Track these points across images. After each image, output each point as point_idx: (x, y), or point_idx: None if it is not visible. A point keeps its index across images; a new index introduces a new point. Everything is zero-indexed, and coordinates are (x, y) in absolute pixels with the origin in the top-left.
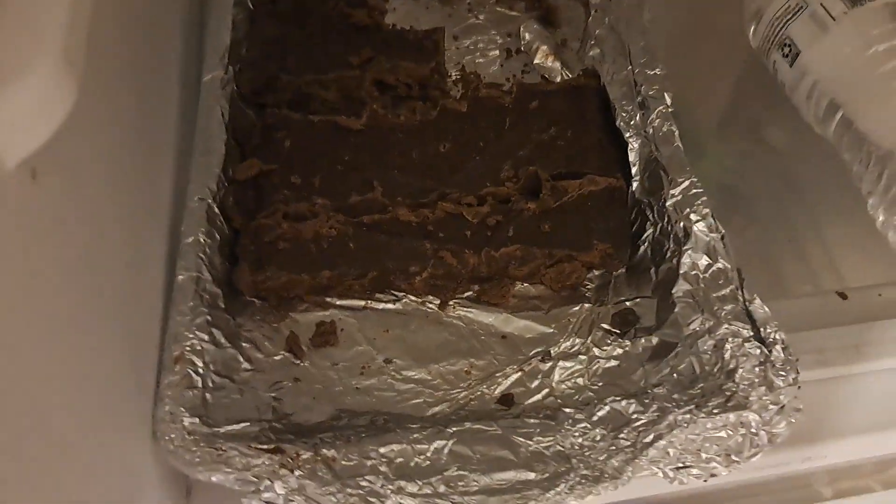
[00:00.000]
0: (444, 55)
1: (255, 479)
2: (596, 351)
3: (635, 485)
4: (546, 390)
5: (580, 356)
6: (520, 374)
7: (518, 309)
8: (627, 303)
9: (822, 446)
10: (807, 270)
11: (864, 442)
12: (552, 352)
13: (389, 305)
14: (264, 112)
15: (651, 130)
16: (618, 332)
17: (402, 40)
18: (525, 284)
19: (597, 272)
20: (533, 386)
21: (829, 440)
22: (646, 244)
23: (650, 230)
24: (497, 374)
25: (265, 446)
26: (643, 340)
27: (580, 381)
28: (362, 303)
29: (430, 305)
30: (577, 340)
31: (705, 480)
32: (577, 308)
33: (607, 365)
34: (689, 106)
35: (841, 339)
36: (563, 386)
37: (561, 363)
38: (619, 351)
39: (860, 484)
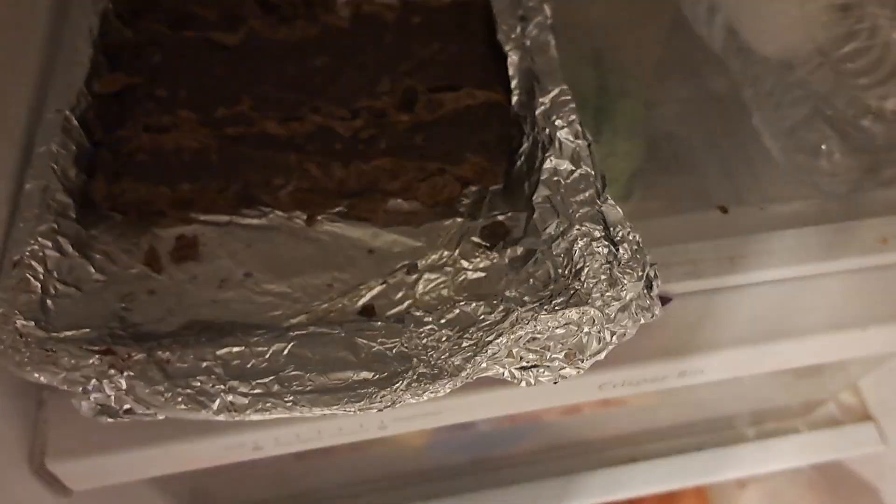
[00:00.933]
0: None
1: (83, 380)
2: (463, 263)
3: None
4: (409, 301)
5: (446, 268)
6: (384, 286)
7: (388, 224)
8: (499, 216)
9: (697, 359)
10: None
11: (740, 356)
12: (418, 264)
13: (255, 220)
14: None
15: (529, 42)
16: (487, 244)
17: None
18: (398, 200)
19: (473, 188)
20: (396, 297)
21: (704, 353)
22: (521, 158)
23: (526, 143)
24: (360, 287)
25: (96, 347)
26: (509, 251)
27: (444, 292)
28: (227, 218)
29: (298, 220)
30: (445, 253)
31: (555, 382)
32: (448, 222)
33: (473, 276)
34: (613, 46)
35: (716, 251)
36: (427, 297)
37: (426, 275)
38: (487, 263)
39: (785, 425)
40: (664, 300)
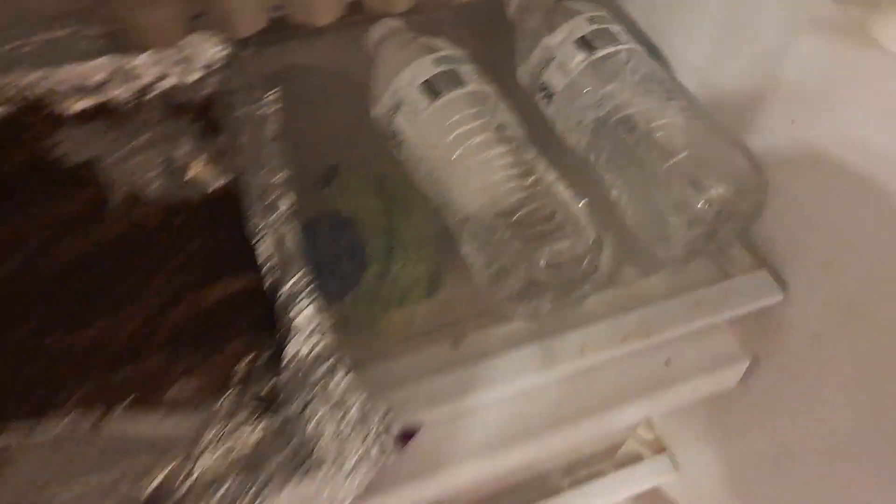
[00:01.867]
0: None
1: None
2: (237, 436)
3: None
4: (187, 485)
5: (222, 444)
6: (167, 471)
7: (171, 411)
8: (269, 383)
9: (450, 473)
10: None
11: (484, 465)
12: (194, 452)
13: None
14: None
15: (272, 234)
16: (259, 413)
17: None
18: (178, 387)
19: (245, 362)
20: (180, 487)
21: (455, 466)
22: (282, 330)
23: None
24: (143, 479)
25: None
26: (274, 421)
27: (220, 468)
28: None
29: (86, 423)
30: (224, 429)
31: None
32: (225, 397)
33: (245, 451)
34: (393, 169)
35: (453, 383)
36: (205, 478)
37: (205, 455)
38: (260, 434)
39: (594, 469)
40: (411, 434)
